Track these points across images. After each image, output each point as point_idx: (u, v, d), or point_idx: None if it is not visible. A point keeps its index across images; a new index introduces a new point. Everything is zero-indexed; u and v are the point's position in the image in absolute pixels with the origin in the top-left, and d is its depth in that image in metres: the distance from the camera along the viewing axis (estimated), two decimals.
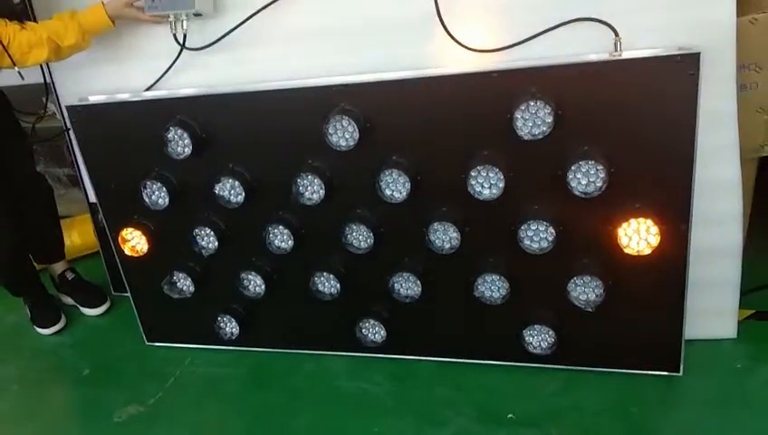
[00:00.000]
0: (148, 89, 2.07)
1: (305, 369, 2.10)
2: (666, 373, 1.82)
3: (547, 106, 1.58)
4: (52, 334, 2.50)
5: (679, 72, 1.52)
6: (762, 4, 1.74)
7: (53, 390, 2.26)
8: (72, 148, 2.36)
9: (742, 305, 1.88)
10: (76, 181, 2.67)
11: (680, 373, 1.80)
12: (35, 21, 2.05)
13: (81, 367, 2.29)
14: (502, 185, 1.69)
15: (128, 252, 2.16)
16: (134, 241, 2.16)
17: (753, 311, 1.98)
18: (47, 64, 2.24)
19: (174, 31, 1.90)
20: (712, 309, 1.86)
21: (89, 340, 2.46)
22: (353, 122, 1.73)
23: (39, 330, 2.52)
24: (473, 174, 1.70)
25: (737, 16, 1.58)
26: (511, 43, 1.69)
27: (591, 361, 1.88)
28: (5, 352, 2.48)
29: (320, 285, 2.04)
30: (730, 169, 1.71)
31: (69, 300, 2.64)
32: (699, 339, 1.87)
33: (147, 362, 2.27)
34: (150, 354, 2.31)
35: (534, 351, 1.90)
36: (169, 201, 2.01)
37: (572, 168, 1.62)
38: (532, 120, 1.62)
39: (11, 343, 2.54)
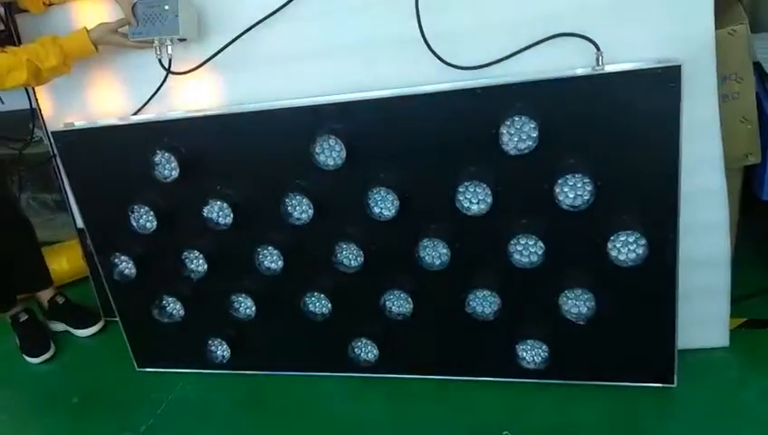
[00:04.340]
0: (134, 113, 2.06)
1: (299, 391, 2.08)
2: (660, 385, 1.81)
3: (532, 121, 1.59)
4: (41, 363, 2.47)
5: (661, 85, 1.53)
6: (739, 15, 1.77)
7: (43, 419, 2.22)
8: (59, 173, 2.35)
9: (733, 314, 1.88)
10: (64, 206, 2.65)
11: (674, 385, 1.79)
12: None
13: (70, 395, 2.26)
14: (490, 200, 1.70)
15: (116, 277, 2.14)
16: (122, 265, 2.14)
17: (745, 319, 1.98)
18: (33, 90, 2.24)
19: (159, 56, 1.90)
20: (703, 318, 1.85)
21: (78, 367, 2.43)
22: (340, 141, 1.74)
23: (28, 359, 2.48)
24: (460, 190, 1.71)
25: (716, 28, 1.60)
26: (494, 60, 1.70)
27: (586, 375, 1.88)
28: None
29: (311, 306, 2.03)
30: (715, 178, 1.72)
31: (59, 326, 2.60)
32: (692, 349, 1.87)
33: (137, 388, 2.24)
34: (141, 380, 2.28)
35: (528, 366, 1.89)
36: (157, 225, 2.00)
37: (559, 181, 1.63)
38: (518, 134, 1.62)
39: None
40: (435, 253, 1.83)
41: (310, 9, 1.81)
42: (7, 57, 1.84)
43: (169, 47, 1.89)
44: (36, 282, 2.58)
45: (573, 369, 1.88)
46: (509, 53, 1.68)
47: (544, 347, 1.85)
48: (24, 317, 2.52)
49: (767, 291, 2.05)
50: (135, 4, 1.84)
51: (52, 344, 2.51)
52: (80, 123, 2.07)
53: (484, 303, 1.85)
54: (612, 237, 1.66)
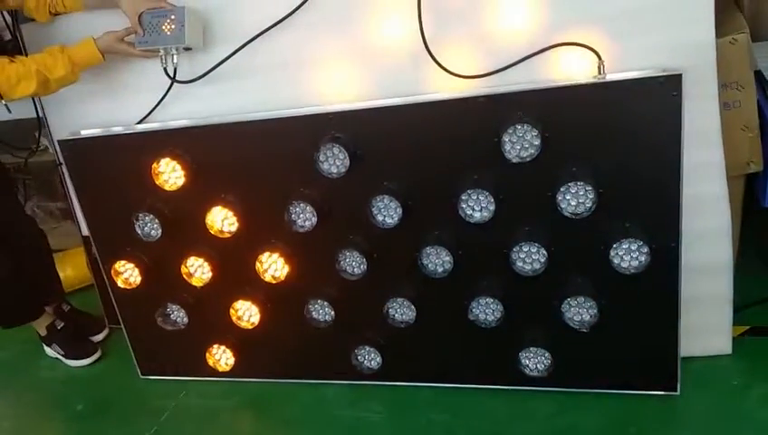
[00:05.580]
0: (139, 122, 2.08)
1: (302, 398, 2.09)
2: (663, 393, 1.81)
3: (534, 129, 1.60)
4: (89, 365, 2.46)
5: (662, 93, 1.54)
6: (740, 24, 1.78)
7: (47, 426, 2.23)
8: (65, 181, 2.36)
9: (736, 322, 1.88)
10: (69, 215, 2.66)
11: (677, 392, 1.79)
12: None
13: (74, 402, 2.27)
14: (492, 208, 1.71)
15: (121, 284, 2.15)
16: (127, 273, 2.15)
17: (748, 327, 1.98)
18: (39, 99, 2.26)
19: (164, 64, 1.92)
20: (706, 326, 1.85)
21: (81, 374, 2.44)
22: (343, 150, 1.75)
23: (73, 362, 2.46)
24: (463, 198, 1.72)
25: (717, 37, 1.61)
26: (497, 69, 1.71)
27: (588, 382, 1.88)
28: None
29: (314, 313, 2.04)
30: (717, 186, 1.73)
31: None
32: (695, 356, 1.87)
33: (141, 395, 2.25)
34: (145, 388, 2.29)
35: (531, 373, 1.89)
36: (162, 233, 2.01)
37: (562, 189, 1.64)
38: (520, 143, 1.63)
39: (1, 379, 2.51)
40: (438, 260, 1.83)
41: (313, 18, 1.83)
42: (16, 67, 1.85)
43: (175, 56, 1.91)
44: (49, 295, 2.54)
45: (576, 376, 1.88)
46: (512, 61, 1.69)
47: (547, 354, 1.85)
48: (60, 324, 2.49)
49: None
50: (141, 13, 1.86)
51: (99, 349, 2.50)
52: (85, 132, 2.08)
53: (486, 310, 1.86)
54: (615, 245, 1.67)
